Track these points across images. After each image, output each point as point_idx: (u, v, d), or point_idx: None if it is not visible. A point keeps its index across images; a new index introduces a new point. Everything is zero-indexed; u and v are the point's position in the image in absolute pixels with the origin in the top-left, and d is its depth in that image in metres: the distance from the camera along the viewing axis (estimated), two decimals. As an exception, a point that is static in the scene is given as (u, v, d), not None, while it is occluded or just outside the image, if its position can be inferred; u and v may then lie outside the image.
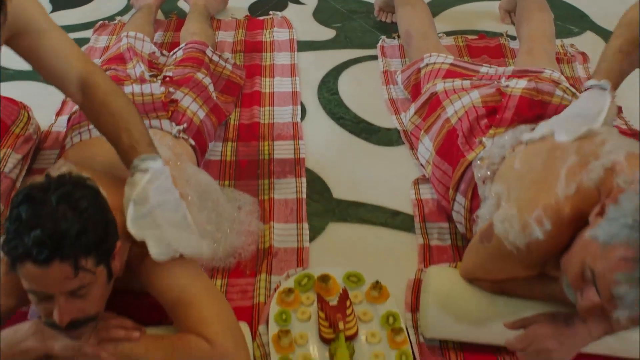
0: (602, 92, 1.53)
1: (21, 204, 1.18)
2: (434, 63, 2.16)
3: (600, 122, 1.44)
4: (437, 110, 1.93)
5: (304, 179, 1.96)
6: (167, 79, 2.02)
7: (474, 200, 1.64)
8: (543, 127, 1.54)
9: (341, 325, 1.47)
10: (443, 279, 1.52)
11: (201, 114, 1.96)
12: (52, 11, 2.84)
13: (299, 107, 2.26)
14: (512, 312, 1.44)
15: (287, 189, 1.93)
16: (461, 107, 1.84)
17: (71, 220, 1.17)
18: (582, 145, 1.37)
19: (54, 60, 1.46)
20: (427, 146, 1.91)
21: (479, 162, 1.63)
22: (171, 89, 1.95)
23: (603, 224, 1.12)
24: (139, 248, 1.37)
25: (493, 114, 1.79)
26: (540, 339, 1.34)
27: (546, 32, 2.31)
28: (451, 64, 2.13)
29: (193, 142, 1.86)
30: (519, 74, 1.97)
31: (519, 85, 1.83)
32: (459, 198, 1.71)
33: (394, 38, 2.65)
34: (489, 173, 1.58)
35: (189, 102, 1.95)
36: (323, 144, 2.11)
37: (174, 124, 1.85)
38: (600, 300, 1.13)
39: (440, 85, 2.00)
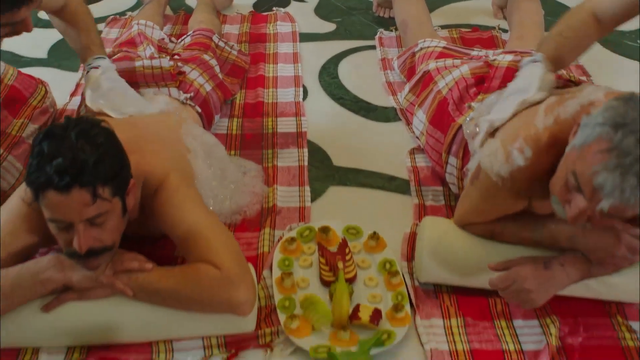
0: (535, 64, 1.64)
1: (43, 140, 1.29)
2: (428, 47, 2.28)
3: (533, 92, 1.55)
4: (430, 86, 2.04)
5: (305, 150, 2.07)
6: (176, 56, 2.14)
7: (465, 158, 1.75)
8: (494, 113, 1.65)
9: (340, 265, 1.57)
10: (437, 228, 1.62)
11: (207, 87, 2.08)
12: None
13: (301, 89, 2.38)
14: (501, 258, 1.53)
15: (290, 158, 2.04)
16: (451, 79, 1.96)
17: (89, 152, 1.28)
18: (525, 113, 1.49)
19: None
20: (420, 118, 2.02)
21: (468, 120, 1.74)
22: (179, 64, 2.07)
23: (578, 133, 1.22)
24: (150, 188, 1.47)
25: (481, 83, 1.90)
26: (521, 279, 1.42)
27: (535, 20, 2.44)
28: (444, 47, 2.26)
29: (199, 110, 1.97)
30: (507, 52, 2.09)
31: (505, 59, 1.95)
32: (451, 160, 1.81)
33: (391, 31, 2.78)
34: (477, 129, 1.69)
35: (196, 76, 2.07)
36: (324, 120, 2.23)
37: (181, 92, 1.96)
38: (586, 202, 1.22)
39: (432, 65, 2.12)
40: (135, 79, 1.94)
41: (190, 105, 1.96)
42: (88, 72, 1.82)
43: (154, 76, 1.96)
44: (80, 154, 1.27)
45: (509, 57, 1.96)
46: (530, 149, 1.35)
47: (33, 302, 1.40)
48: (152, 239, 1.67)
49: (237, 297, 1.38)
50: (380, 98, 2.35)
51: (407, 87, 2.21)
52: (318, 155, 2.06)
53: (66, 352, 1.45)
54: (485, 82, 1.89)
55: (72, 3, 1.89)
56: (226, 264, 1.39)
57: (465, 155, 1.75)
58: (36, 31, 2.79)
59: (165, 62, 2.02)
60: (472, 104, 1.82)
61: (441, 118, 1.91)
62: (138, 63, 1.99)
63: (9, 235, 1.43)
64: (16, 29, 1.50)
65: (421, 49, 2.30)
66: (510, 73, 1.87)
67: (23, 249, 1.43)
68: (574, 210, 1.25)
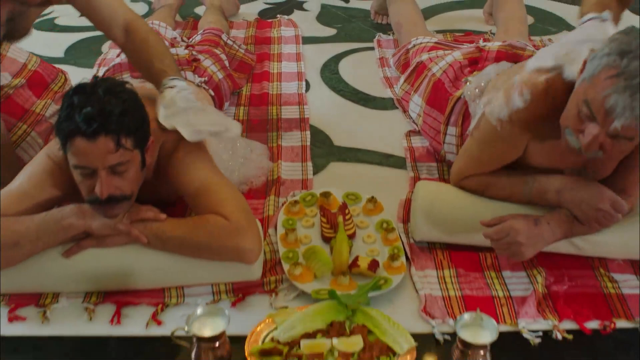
0: (603, 22, 1.75)
1: (73, 94, 1.43)
2: (420, 43, 2.43)
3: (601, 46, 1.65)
4: (424, 72, 2.18)
5: (308, 132, 2.21)
6: (190, 47, 2.30)
7: (465, 124, 1.87)
8: (546, 54, 1.65)
9: (340, 219, 1.68)
10: (430, 190, 1.73)
11: (219, 75, 2.23)
12: (81, 15, 3.14)
13: (304, 83, 2.52)
14: (490, 217, 1.64)
15: (293, 139, 2.17)
16: (445, 63, 2.10)
17: (115, 104, 1.41)
18: None
19: (104, 9, 1.74)
20: (416, 102, 2.16)
21: (468, 83, 1.87)
22: (194, 52, 2.22)
23: (587, 66, 1.36)
24: (167, 150, 1.60)
25: (474, 64, 2.04)
26: (514, 232, 1.54)
27: (519, 16, 2.60)
28: (436, 42, 2.41)
29: (212, 93, 2.11)
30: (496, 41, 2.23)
31: (495, 45, 2.10)
32: (450, 130, 1.94)
33: (389, 34, 2.93)
34: (477, 91, 1.81)
35: (209, 64, 2.22)
36: (325, 109, 2.36)
37: (196, 76, 2.10)
38: (599, 128, 1.34)
39: (425, 56, 2.27)
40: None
41: (204, 88, 2.10)
42: (162, 92, 1.65)
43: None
44: (107, 105, 1.40)
45: (498, 43, 2.11)
46: (529, 92, 1.49)
47: (54, 250, 1.51)
48: (164, 205, 1.78)
49: (243, 245, 1.49)
50: (378, 90, 2.49)
51: (402, 78, 2.35)
52: (319, 137, 2.19)
53: (84, 296, 1.55)
54: (478, 63, 2.03)
55: (140, 30, 1.75)
56: (234, 215, 1.50)
57: (465, 120, 1.88)
58: (52, 35, 2.97)
59: (181, 50, 2.17)
60: (469, 77, 1.95)
61: (437, 97, 2.04)
62: (153, 51, 2.13)
63: (34, 187, 1.55)
64: None
65: (414, 45, 2.44)
66: (501, 56, 2.01)
67: (47, 201, 1.55)
68: (587, 137, 1.37)
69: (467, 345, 1.32)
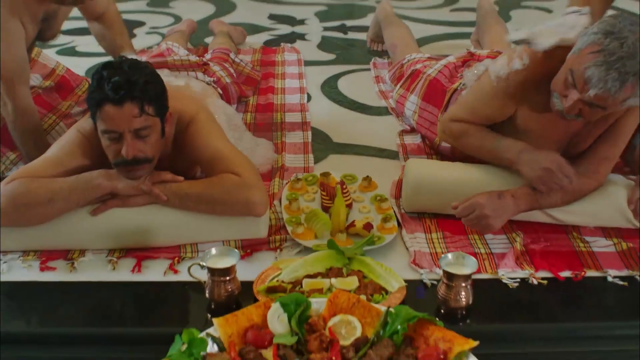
0: (581, 15, 1.98)
1: (102, 69, 1.64)
2: (414, 58, 2.67)
3: (574, 35, 1.87)
4: (419, 77, 2.40)
5: (309, 132, 2.42)
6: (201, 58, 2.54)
7: None
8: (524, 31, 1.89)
9: (338, 188, 1.87)
10: (420, 164, 1.94)
11: (227, 79, 2.46)
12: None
13: (306, 95, 2.75)
14: (468, 194, 1.81)
15: (296, 137, 2.38)
16: (440, 65, 2.33)
17: (139, 75, 1.63)
18: None
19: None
20: (412, 101, 2.37)
21: (466, 69, 2.09)
22: (204, 59, 2.46)
23: (577, 42, 1.59)
24: (183, 124, 1.81)
25: (468, 66, 2.27)
26: (480, 206, 1.71)
27: (503, 38, 2.85)
28: (428, 57, 2.65)
29: (221, 92, 2.33)
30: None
31: (485, 51, 2.34)
32: None
33: (384, 58, 3.18)
34: (475, 72, 2.03)
35: (218, 69, 2.45)
36: (325, 115, 2.58)
37: (206, 76, 2.33)
38: (578, 95, 1.56)
39: (419, 65, 2.50)
40: (167, 67, 2.32)
41: (213, 86, 2.32)
42: None
43: (183, 65, 2.34)
44: (132, 76, 1.61)
45: (488, 50, 2.36)
46: (529, 58, 1.71)
47: (82, 210, 1.70)
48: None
49: (252, 198, 1.68)
50: (374, 101, 2.71)
51: (397, 86, 2.57)
52: (320, 135, 2.40)
53: (108, 252, 1.72)
54: (471, 64, 2.26)
55: (111, 10, 2.30)
56: (245, 173, 1.70)
57: None
58: (74, 59, 3.23)
59: (193, 57, 2.40)
60: (464, 71, 2.17)
61: (433, 92, 2.25)
62: (169, 58, 2.38)
63: (66, 155, 1.75)
64: None
65: (408, 60, 2.68)
66: (492, 58, 2.25)
67: (77, 168, 1.74)
68: (569, 101, 1.60)
69: (450, 277, 1.49)
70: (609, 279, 1.65)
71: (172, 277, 1.65)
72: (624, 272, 1.68)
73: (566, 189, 1.78)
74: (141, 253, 1.72)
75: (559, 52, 1.70)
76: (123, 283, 1.63)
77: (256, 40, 3.50)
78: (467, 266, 1.51)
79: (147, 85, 1.63)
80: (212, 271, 1.50)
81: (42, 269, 1.67)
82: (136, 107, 1.62)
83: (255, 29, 3.65)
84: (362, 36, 3.52)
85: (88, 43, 3.26)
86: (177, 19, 3.84)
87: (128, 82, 1.60)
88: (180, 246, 1.74)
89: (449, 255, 1.52)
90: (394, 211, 1.89)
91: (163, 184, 1.71)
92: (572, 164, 1.80)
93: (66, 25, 2.20)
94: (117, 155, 1.66)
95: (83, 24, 2.44)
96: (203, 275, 1.54)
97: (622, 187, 1.84)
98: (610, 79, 1.52)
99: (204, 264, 1.50)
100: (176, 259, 1.70)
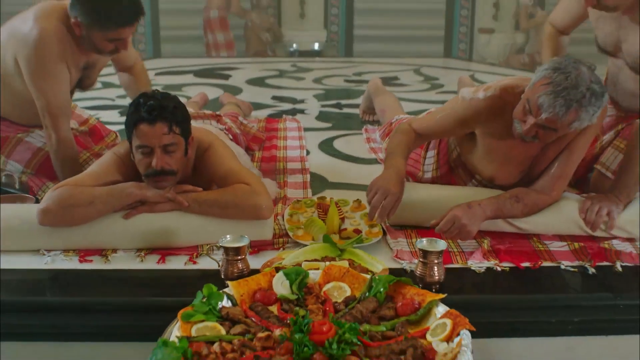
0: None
1: (139, 98, 2.02)
2: (401, 117, 3.07)
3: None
4: (404, 126, 2.78)
5: (308, 175, 2.77)
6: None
7: (442, 144, 2.42)
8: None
9: (332, 202, 2.19)
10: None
11: (237, 130, 2.84)
12: (122, 113, 3.83)
13: (305, 151, 3.12)
14: (443, 210, 2.13)
15: (296, 178, 2.72)
16: (421, 115, 2.71)
17: (170, 102, 2.00)
18: None
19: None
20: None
21: None
22: (217, 113, 2.85)
23: (533, 77, 1.96)
24: (201, 150, 2.16)
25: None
26: (457, 218, 2.03)
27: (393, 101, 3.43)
28: (414, 118, 3.04)
29: (231, 137, 2.70)
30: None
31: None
32: (429, 154, 2.48)
33: (374, 126, 3.59)
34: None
35: (229, 121, 2.84)
36: (322, 164, 2.94)
37: (219, 124, 2.71)
38: (534, 119, 1.92)
39: (404, 118, 2.89)
40: (185, 117, 2.70)
41: (225, 133, 2.70)
42: None
43: (199, 115, 2.73)
44: (164, 102, 1.99)
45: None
46: (489, 93, 2.09)
47: (115, 215, 2.01)
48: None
49: (260, 202, 2.01)
50: (366, 155, 3.08)
51: (387, 139, 2.95)
52: (317, 177, 2.76)
53: (136, 250, 2.02)
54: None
55: (139, 64, 2.70)
56: (253, 183, 2.04)
57: (441, 142, 2.43)
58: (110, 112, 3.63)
59: (208, 111, 2.80)
60: None
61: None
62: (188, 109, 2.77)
63: (103, 171, 2.09)
64: (118, 45, 2.27)
65: (396, 119, 3.08)
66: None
67: (111, 182, 2.08)
68: (527, 125, 1.96)
69: (425, 254, 1.78)
70: (562, 267, 1.95)
71: (191, 267, 1.94)
72: (576, 263, 1.97)
73: (525, 203, 2.11)
74: (165, 251, 2.02)
75: (505, 96, 2.08)
76: (150, 269, 1.92)
77: (260, 114, 3.92)
78: (438, 246, 1.81)
79: (176, 110, 2.00)
80: (227, 251, 1.80)
81: (80, 261, 1.96)
82: (166, 126, 1.97)
83: (259, 106, 4.08)
84: (355, 111, 3.94)
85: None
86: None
87: (160, 106, 1.97)
88: (197, 246, 2.04)
89: (424, 240, 1.83)
90: (381, 225, 2.20)
91: (185, 193, 2.04)
92: (533, 182, 2.15)
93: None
94: (148, 167, 2.00)
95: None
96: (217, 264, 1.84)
97: (575, 202, 2.17)
98: (558, 104, 1.89)
99: (221, 244, 1.80)
100: (195, 254, 2.00)
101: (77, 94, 2.63)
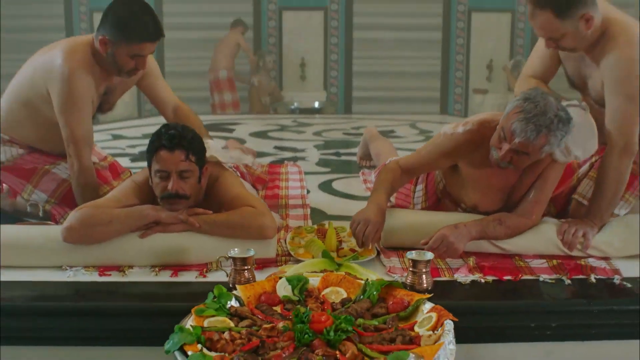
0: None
1: (161, 128, 2.25)
2: (394, 159, 3.29)
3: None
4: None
5: (308, 209, 2.97)
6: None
7: (429, 176, 2.64)
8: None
9: (330, 222, 2.38)
10: (395, 213, 2.47)
11: (242, 169, 3.06)
12: (132, 160, 4.06)
13: (305, 190, 3.34)
14: (430, 233, 2.33)
15: (297, 212, 2.93)
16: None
17: (188, 133, 2.23)
18: None
19: (161, 93, 2.68)
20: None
21: None
22: (224, 153, 3.09)
23: (506, 107, 2.19)
24: (213, 179, 2.37)
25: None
26: (446, 237, 2.22)
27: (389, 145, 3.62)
28: (402, 157, 3.27)
29: (239, 174, 2.92)
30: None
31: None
32: (418, 187, 2.69)
33: (370, 170, 3.81)
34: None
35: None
36: (322, 201, 3.15)
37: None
38: (508, 146, 2.14)
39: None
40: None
41: (232, 169, 2.91)
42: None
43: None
44: (183, 132, 2.22)
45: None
46: (468, 127, 2.31)
47: (131, 235, 2.21)
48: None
49: (264, 223, 2.21)
50: (362, 193, 3.29)
51: (379, 178, 3.17)
52: (317, 211, 2.96)
53: (150, 266, 2.21)
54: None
55: (183, 107, 2.80)
56: (258, 206, 2.25)
57: (428, 175, 2.64)
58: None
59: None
60: None
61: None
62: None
63: (123, 196, 2.30)
64: (137, 63, 2.50)
65: (390, 161, 3.30)
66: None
67: (129, 205, 2.28)
68: (502, 151, 2.18)
69: (415, 263, 1.97)
70: (541, 279, 2.13)
71: (201, 279, 2.12)
72: (554, 276, 2.15)
73: (507, 225, 2.30)
74: (177, 268, 2.20)
75: (482, 130, 2.32)
76: (163, 281, 2.10)
77: (263, 161, 4.15)
78: (426, 256, 2.00)
79: (193, 140, 2.23)
80: (235, 261, 1.98)
81: (100, 275, 2.15)
82: (183, 154, 2.19)
83: (262, 154, 4.32)
84: (353, 158, 4.17)
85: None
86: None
87: (180, 135, 2.20)
88: (207, 263, 2.22)
89: (413, 252, 2.02)
90: (376, 246, 2.39)
91: (196, 215, 2.24)
92: (513, 209, 2.36)
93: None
94: (164, 190, 2.21)
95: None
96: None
97: (553, 225, 2.37)
98: (529, 129, 2.11)
99: (230, 255, 1.99)
100: (205, 269, 2.18)
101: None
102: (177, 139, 2.19)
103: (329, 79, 8.67)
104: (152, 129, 2.33)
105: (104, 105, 2.66)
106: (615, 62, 2.27)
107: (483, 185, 2.41)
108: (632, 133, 2.33)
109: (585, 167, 2.65)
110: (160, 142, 2.20)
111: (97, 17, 2.86)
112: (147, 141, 2.27)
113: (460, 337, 1.66)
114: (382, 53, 8.52)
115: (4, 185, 2.73)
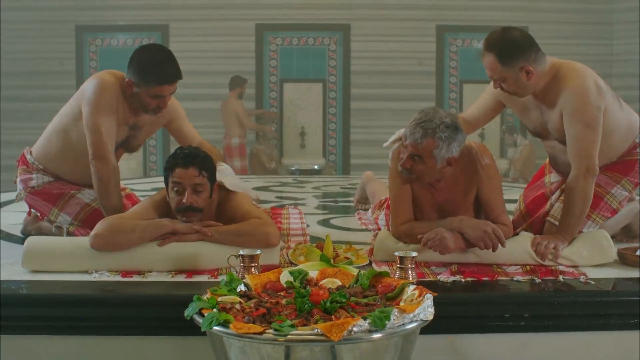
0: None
1: (177, 149, 2.57)
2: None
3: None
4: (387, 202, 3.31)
5: (308, 236, 3.25)
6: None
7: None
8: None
9: (327, 235, 2.66)
10: (385, 233, 2.75)
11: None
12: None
13: (305, 224, 3.62)
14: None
15: (298, 237, 3.20)
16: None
17: (200, 153, 2.55)
18: None
19: (188, 134, 3.01)
20: (383, 213, 3.24)
21: None
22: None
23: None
24: (223, 197, 2.67)
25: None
26: (440, 232, 2.49)
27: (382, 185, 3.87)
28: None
29: (245, 202, 3.22)
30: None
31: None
32: (382, 214, 2.98)
33: (366, 211, 4.10)
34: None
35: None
36: (321, 232, 3.42)
37: (235, 191, 3.24)
38: (406, 151, 2.47)
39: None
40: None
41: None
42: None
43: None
44: (196, 152, 2.53)
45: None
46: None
47: (151, 244, 2.49)
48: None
49: (270, 231, 2.50)
50: (358, 228, 3.57)
51: (375, 212, 3.45)
52: (316, 239, 3.22)
53: (167, 272, 2.47)
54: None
55: (204, 144, 3.11)
56: (264, 217, 2.55)
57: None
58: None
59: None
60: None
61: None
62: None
63: (142, 211, 2.59)
64: (159, 103, 2.83)
65: (385, 197, 3.60)
66: None
67: (148, 219, 2.57)
68: (402, 158, 2.50)
69: (402, 260, 2.24)
70: (515, 279, 2.39)
71: (213, 280, 2.39)
72: (527, 277, 2.42)
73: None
74: (191, 272, 2.47)
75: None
76: (179, 281, 2.37)
77: (265, 205, 4.44)
78: (411, 253, 2.27)
79: (205, 159, 2.54)
80: (243, 258, 2.26)
81: (122, 277, 2.41)
82: (196, 170, 2.50)
83: (264, 202, 4.61)
84: (350, 204, 4.46)
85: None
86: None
87: (193, 154, 2.52)
88: (218, 268, 2.49)
89: (400, 251, 2.29)
90: (369, 259, 2.66)
91: (208, 227, 2.52)
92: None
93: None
94: (179, 203, 2.50)
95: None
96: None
97: (529, 238, 2.64)
98: (417, 132, 2.45)
99: (240, 253, 2.26)
100: (216, 272, 2.45)
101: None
102: (191, 157, 2.50)
103: (327, 147, 9.08)
104: (158, 185, 2.62)
105: (131, 140, 2.97)
106: (569, 95, 2.60)
107: (421, 202, 2.67)
108: (592, 157, 2.64)
109: (557, 193, 2.95)
110: (176, 160, 2.50)
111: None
112: (154, 192, 2.57)
113: (443, 328, 1.91)
114: (378, 122, 8.93)
115: (32, 210, 3.02)
